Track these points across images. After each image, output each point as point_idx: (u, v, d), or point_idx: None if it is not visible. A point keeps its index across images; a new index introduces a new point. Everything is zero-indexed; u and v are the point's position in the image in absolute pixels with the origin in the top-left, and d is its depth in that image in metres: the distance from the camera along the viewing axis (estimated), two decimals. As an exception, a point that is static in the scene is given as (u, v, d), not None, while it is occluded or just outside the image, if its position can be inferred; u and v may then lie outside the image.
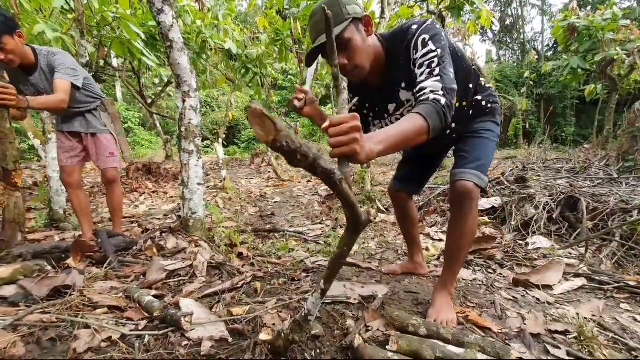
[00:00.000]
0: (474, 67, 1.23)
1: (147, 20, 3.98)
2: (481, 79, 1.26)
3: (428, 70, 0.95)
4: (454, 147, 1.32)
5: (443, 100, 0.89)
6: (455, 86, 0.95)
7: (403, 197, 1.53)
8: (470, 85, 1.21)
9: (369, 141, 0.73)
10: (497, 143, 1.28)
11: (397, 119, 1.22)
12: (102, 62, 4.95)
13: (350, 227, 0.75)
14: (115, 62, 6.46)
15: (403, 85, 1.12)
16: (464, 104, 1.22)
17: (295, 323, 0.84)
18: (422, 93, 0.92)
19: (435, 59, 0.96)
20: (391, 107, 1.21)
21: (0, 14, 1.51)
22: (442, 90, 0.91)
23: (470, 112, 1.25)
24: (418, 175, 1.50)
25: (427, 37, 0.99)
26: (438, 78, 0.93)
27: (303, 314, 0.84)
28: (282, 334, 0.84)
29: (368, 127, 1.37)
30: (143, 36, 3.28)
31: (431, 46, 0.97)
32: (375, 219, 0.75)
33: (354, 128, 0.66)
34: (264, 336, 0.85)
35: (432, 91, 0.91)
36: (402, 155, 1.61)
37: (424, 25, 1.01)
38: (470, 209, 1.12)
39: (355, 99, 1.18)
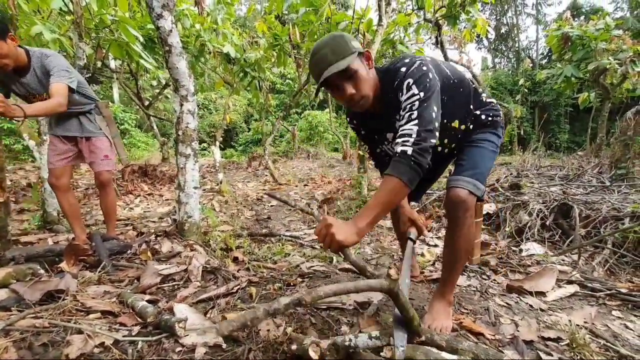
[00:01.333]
0: (474, 86, 1.26)
1: (146, 23, 3.99)
2: (482, 95, 1.29)
3: (408, 113, 1.02)
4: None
5: (410, 150, 0.97)
6: (434, 125, 1.01)
7: (401, 204, 1.54)
8: (471, 107, 1.25)
9: (355, 223, 0.93)
10: (496, 154, 1.28)
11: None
12: (99, 64, 4.93)
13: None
14: (112, 64, 6.44)
15: (397, 117, 1.17)
16: (468, 124, 1.25)
17: (334, 347, 0.87)
18: (396, 142, 1.01)
19: (417, 102, 1.01)
20: (389, 135, 1.25)
21: None
22: (415, 134, 0.98)
23: (471, 126, 1.27)
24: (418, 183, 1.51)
25: (411, 81, 1.04)
26: (416, 121, 1.00)
27: (346, 344, 0.87)
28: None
29: (373, 145, 1.40)
30: (141, 39, 3.28)
31: (414, 90, 1.03)
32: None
33: (327, 226, 0.91)
34: (313, 354, 0.86)
35: (403, 141, 0.99)
36: None
37: (411, 69, 1.06)
38: (465, 218, 1.11)
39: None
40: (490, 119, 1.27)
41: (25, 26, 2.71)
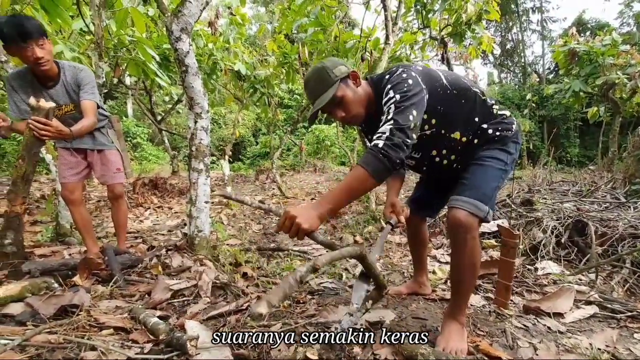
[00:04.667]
0: (483, 98, 1.22)
1: (161, 43, 4.17)
2: (493, 107, 1.24)
3: (385, 117, 1.04)
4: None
5: (381, 144, 0.97)
6: (410, 125, 0.99)
7: (416, 220, 1.52)
8: (476, 119, 1.20)
9: (317, 208, 0.94)
10: (506, 172, 1.19)
11: None
12: (115, 80, 5.14)
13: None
14: (128, 81, 6.70)
15: None
16: (470, 137, 1.21)
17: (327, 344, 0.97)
18: (372, 140, 1.04)
19: (392, 105, 1.03)
20: None
21: (35, 22, 1.56)
22: (389, 132, 0.98)
23: (475, 141, 1.22)
24: (432, 200, 1.49)
25: (389, 86, 1.08)
26: (391, 121, 1.00)
27: (335, 333, 0.96)
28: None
29: None
30: (157, 58, 3.42)
31: (390, 94, 1.06)
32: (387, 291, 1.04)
33: (290, 218, 0.90)
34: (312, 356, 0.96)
35: (377, 137, 1.00)
36: (419, 177, 1.62)
37: (392, 75, 1.11)
38: (465, 240, 1.06)
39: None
40: (498, 133, 1.20)
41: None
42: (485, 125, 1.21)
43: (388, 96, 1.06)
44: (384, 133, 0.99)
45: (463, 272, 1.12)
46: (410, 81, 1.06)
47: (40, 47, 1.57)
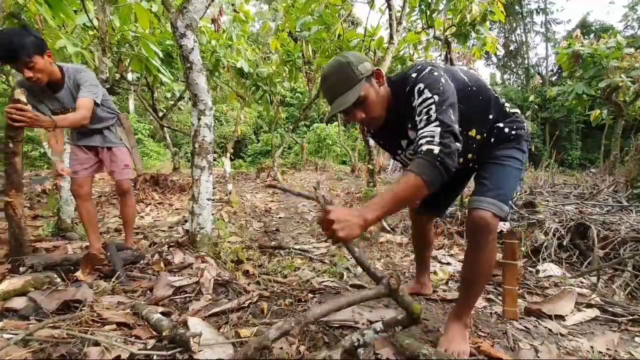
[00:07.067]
0: (496, 95, 1.22)
1: (164, 39, 4.16)
2: (506, 105, 1.24)
3: (426, 117, 0.98)
4: (475, 173, 1.29)
5: (436, 150, 0.92)
6: (455, 127, 0.96)
7: (423, 219, 1.52)
8: (491, 116, 1.20)
9: (363, 215, 0.89)
10: (522, 171, 1.22)
11: (410, 154, 1.24)
12: (117, 76, 5.14)
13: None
14: (130, 77, 6.69)
15: (409, 125, 1.15)
16: (485, 135, 1.20)
17: (346, 352, 0.88)
18: (419, 143, 0.97)
19: (433, 106, 0.98)
20: (404, 143, 1.24)
21: (33, 35, 1.57)
22: (438, 136, 0.93)
23: (492, 139, 1.21)
24: (439, 198, 1.47)
25: (422, 85, 1.02)
26: (436, 123, 0.95)
27: (355, 344, 0.88)
28: None
29: (391, 152, 1.40)
30: (160, 54, 3.41)
31: (427, 94, 1.00)
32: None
33: (327, 221, 0.88)
34: None
35: (427, 141, 0.94)
36: None
37: (422, 74, 1.05)
38: (487, 241, 1.07)
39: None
40: (514, 132, 1.21)
41: (50, 40, 2.85)
42: (501, 124, 1.21)
43: (423, 96, 1.00)
44: (433, 137, 0.93)
45: (479, 272, 1.11)
46: (442, 80, 1.02)
47: (29, 67, 1.56)
